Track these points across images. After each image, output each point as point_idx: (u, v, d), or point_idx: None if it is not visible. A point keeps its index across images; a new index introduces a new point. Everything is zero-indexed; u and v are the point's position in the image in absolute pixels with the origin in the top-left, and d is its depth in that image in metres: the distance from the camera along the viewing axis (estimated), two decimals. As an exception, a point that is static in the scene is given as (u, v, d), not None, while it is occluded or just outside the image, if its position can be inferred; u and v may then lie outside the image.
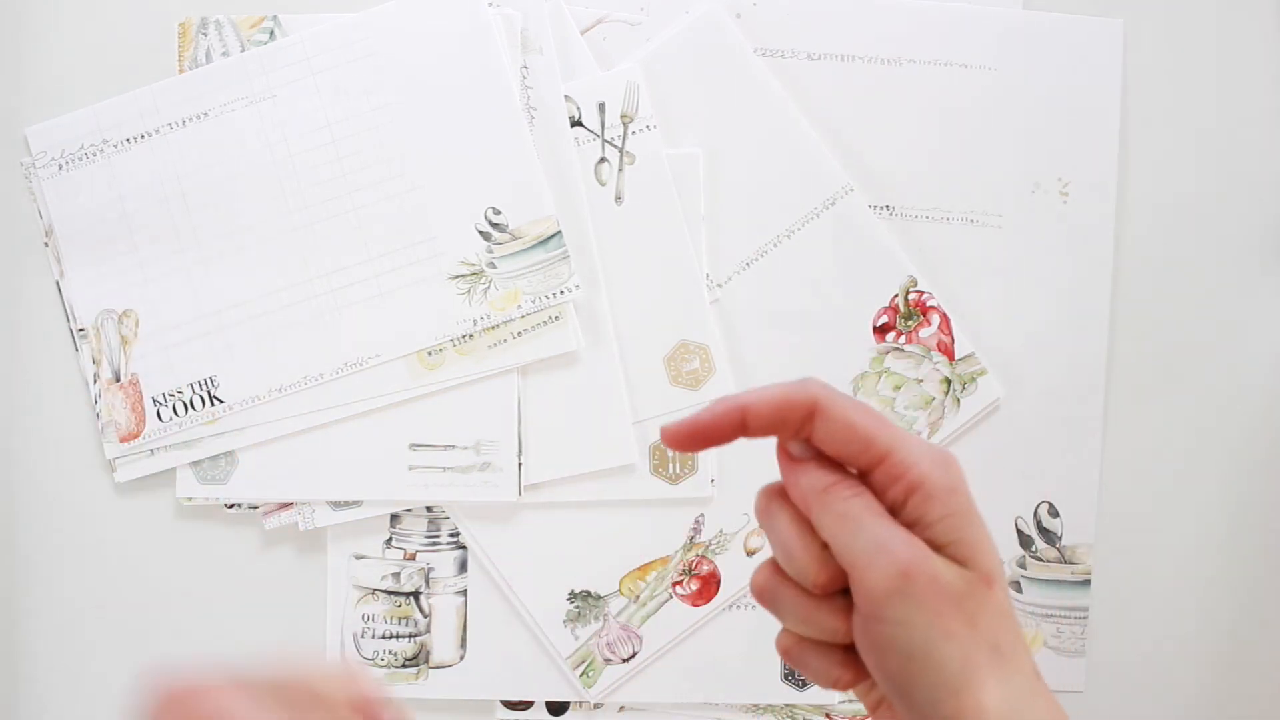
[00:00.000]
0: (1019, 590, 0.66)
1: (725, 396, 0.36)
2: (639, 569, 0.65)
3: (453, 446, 0.64)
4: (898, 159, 0.65)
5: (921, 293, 0.65)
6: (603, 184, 0.64)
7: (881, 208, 0.66)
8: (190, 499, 0.65)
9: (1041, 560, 0.66)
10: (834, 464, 0.36)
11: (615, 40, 0.65)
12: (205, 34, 0.64)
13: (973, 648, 0.34)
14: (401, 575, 0.65)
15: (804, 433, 0.36)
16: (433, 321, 0.63)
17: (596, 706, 0.66)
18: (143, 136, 0.64)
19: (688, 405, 0.64)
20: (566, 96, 0.64)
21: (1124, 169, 0.66)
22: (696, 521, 0.65)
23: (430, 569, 0.65)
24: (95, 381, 0.64)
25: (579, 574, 0.65)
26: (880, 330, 0.65)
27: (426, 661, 0.65)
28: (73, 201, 0.64)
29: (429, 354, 0.64)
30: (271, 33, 0.64)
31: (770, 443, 0.37)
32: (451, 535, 0.65)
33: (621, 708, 0.66)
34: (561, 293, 0.63)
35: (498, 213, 0.63)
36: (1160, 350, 0.66)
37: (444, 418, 0.64)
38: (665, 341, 0.65)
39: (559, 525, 0.65)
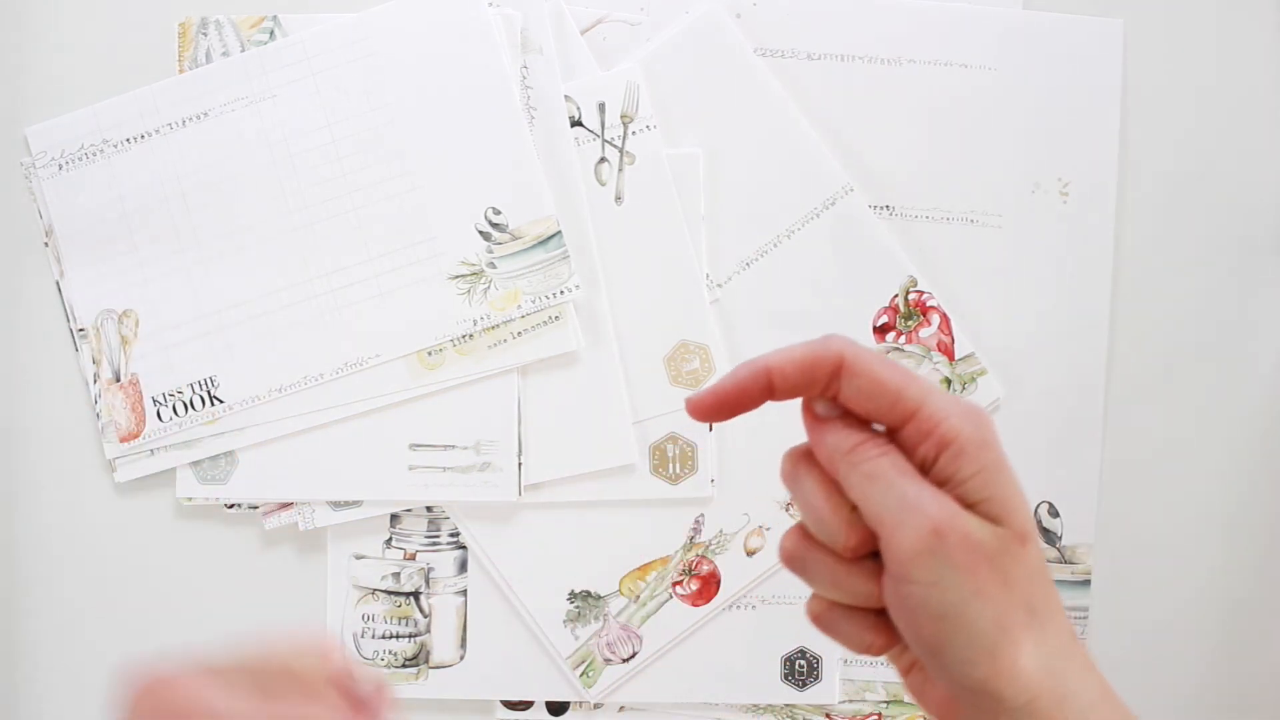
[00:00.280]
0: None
1: (747, 360, 0.35)
2: (639, 569, 0.65)
3: (453, 446, 0.64)
4: (898, 159, 0.65)
5: (921, 293, 0.65)
6: (603, 184, 0.64)
7: (881, 208, 0.66)
8: (190, 499, 0.65)
9: (1041, 560, 0.66)
10: (861, 423, 0.35)
11: (615, 40, 0.65)
12: (205, 34, 0.64)
13: (1007, 608, 0.33)
14: (401, 575, 0.65)
15: (830, 391, 0.35)
16: (433, 321, 0.63)
17: (596, 706, 0.66)
18: (143, 136, 0.64)
19: (688, 405, 0.64)
20: (566, 96, 0.64)
21: (1124, 169, 0.66)
22: (696, 521, 0.65)
23: (430, 569, 0.65)
24: (95, 381, 0.64)
25: (579, 574, 0.65)
26: (880, 330, 0.65)
27: (426, 661, 0.65)
28: (73, 201, 0.64)
29: (429, 354, 0.64)
30: (271, 33, 0.64)
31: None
32: (451, 535, 0.65)
33: (621, 708, 0.66)
34: (561, 293, 0.63)
35: (498, 213, 0.63)
36: (1160, 350, 0.66)
37: (444, 418, 0.64)
38: (665, 341, 0.65)
39: (559, 525, 0.65)
